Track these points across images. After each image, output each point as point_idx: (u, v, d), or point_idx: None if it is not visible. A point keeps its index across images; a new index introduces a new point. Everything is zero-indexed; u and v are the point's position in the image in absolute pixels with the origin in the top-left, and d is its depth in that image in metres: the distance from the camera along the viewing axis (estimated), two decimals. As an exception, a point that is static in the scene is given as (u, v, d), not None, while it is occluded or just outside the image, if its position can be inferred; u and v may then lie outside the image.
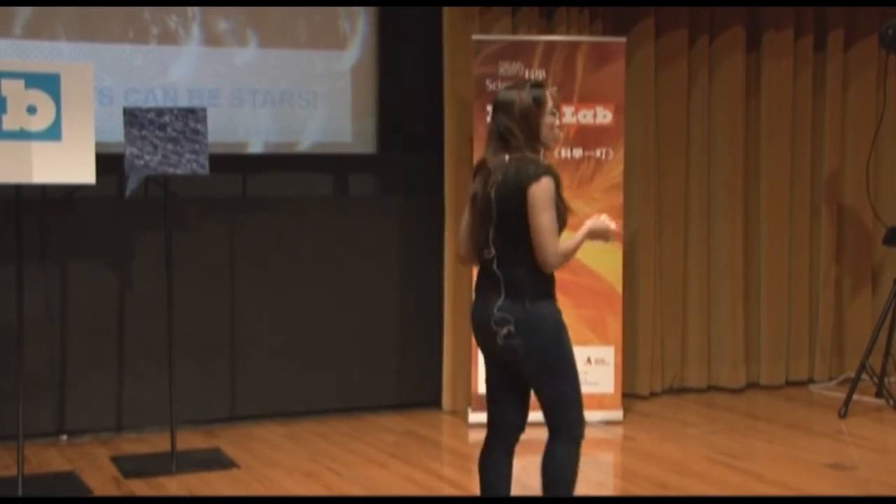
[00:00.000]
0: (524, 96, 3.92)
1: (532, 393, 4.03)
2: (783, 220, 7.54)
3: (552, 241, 3.83)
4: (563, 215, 3.91)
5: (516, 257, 3.88)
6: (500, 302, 3.88)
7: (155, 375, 6.05)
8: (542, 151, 3.95)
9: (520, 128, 3.89)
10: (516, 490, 4.15)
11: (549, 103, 3.95)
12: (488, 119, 4.10)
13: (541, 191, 3.81)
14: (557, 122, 3.98)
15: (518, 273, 3.87)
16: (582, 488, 4.15)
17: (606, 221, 4.00)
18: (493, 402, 4.08)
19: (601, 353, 6.55)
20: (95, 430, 6.22)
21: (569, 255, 3.89)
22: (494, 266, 3.91)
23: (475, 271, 4.13)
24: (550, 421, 3.97)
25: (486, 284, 3.95)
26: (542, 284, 3.89)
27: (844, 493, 5.20)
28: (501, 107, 3.95)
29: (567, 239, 3.92)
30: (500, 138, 3.93)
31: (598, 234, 4.00)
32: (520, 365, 3.92)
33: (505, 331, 3.87)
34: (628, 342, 6.91)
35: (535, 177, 3.82)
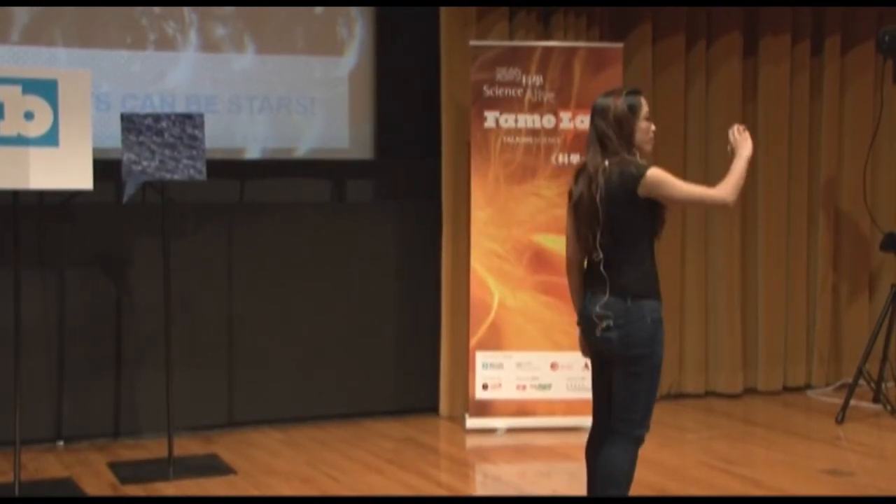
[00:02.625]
0: (619, 103, 4.04)
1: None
2: (780, 226, 7.54)
3: (702, 191, 3.99)
4: (662, 214, 4.02)
5: (622, 258, 4.00)
6: (605, 299, 4.01)
7: (152, 381, 6.05)
8: (636, 155, 4.05)
9: (615, 132, 4.00)
10: (515, 494, 4.14)
11: (644, 109, 4.07)
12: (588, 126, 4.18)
13: (652, 177, 3.93)
14: (653, 127, 4.09)
15: (623, 274, 3.99)
16: (579, 494, 4.14)
17: (734, 139, 4.07)
18: (593, 398, 4.21)
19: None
20: (92, 436, 6.20)
21: (736, 182, 3.96)
22: (601, 268, 4.03)
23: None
24: (615, 417, 4.06)
25: (595, 282, 4.07)
26: (646, 284, 4.00)
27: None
28: (598, 113, 4.07)
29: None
30: (599, 143, 4.04)
31: (741, 148, 4.05)
32: (613, 357, 4.04)
33: (604, 324, 4.01)
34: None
35: (640, 174, 3.93)
